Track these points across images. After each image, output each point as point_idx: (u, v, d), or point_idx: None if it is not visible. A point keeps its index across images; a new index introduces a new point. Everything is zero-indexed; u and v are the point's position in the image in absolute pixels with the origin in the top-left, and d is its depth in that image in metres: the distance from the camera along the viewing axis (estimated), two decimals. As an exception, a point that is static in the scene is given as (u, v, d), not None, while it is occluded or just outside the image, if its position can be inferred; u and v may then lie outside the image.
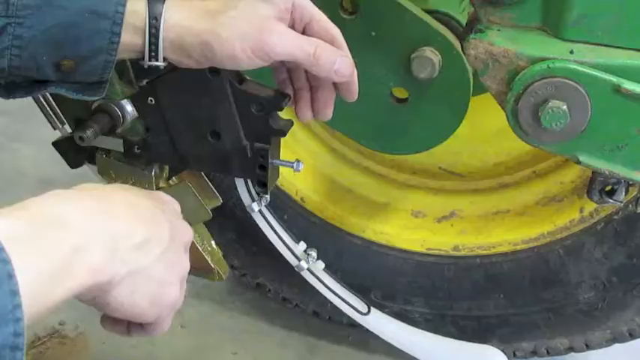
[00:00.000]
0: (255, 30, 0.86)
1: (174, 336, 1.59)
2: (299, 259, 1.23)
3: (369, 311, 1.31)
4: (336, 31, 0.93)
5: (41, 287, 0.63)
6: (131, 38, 0.86)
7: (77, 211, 0.70)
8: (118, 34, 0.84)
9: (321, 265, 1.25)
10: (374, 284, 1.51)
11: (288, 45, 0.87)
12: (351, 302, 1.30)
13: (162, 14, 0.86)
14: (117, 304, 0.74)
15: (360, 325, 1.33)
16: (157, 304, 0.78)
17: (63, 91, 0.88)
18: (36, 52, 0.83)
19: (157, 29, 0.86)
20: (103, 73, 0.87)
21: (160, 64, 0.88)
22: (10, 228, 0.63)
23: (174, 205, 0.89)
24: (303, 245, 1.23)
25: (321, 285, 1.26)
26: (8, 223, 0.64)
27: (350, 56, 0.92)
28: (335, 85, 0.96)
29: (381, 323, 1.33)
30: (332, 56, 0.89)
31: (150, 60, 0.88)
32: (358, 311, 1.30)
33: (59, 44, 0.84)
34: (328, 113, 0.99)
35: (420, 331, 1.37)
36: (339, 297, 1.28)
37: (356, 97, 0.97)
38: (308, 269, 1.24)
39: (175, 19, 0.86)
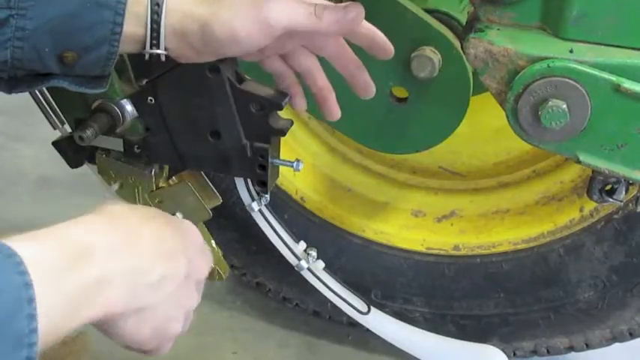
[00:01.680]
0: (253, 4, 0.86)
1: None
2: (299, 259, 1.23)
3: (369, 311, 1.31)
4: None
5: (59, 315, 0.64)
6: (133, 28, 0.86)
7: (104, 243, 0.71)
8: (120, 25, 0.84)
9: (321, 264, 1.25)
10: (374, 284, 1.51)
11: (287, 11, 0.86)
12: (351, 302, 1.30)
13: (165, 0, 0.86)
14: (120, 333, 0.76)
15: (361, 324, 1.33)
16: (158, 336, 0.80)
17: (65, 84, 0.88)
18: (38, 44, 0.83)
19: (159, 15, 0.85)
20: (106, 66, 0.87)
21: (162, 52, 0.87)
22: (36, 253, 0.64)
23: (198, 238, 0.90)
24: (303, 245, 1.24)
25: (321, 284, 1.26)
26: (36, 248, 0.64)
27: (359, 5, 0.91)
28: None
29: (380, 323, 1.33)
30: (334, 9, 0.88)
31: (151, 48, 0.87)
32: (358, 311, 1.30)
33: (61, 35, 0.83)
34: (373, 88, 0.99)
35: (420, 330, 1.37)
36: (339, 296, 1.28)
37: (392, 52, 0.97)
38: (308, 269, 1.24)
39: (177, 4, 0.86)
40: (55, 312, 0.63)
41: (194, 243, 0.88)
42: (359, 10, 0.90)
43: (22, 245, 0.63)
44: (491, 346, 1.37)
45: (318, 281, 1.26)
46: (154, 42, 0.87)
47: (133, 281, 0.73)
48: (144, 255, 0.76)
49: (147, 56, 0.88)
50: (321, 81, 0.98)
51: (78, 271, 0.67)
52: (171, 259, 0.80)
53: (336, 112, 0.99)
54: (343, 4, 0.90)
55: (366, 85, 0.99)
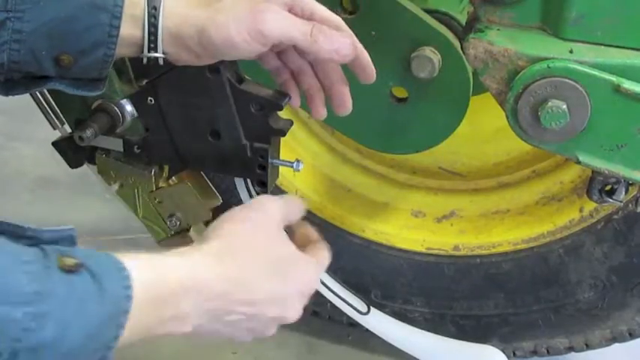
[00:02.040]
0: (250, 12, 0.85)
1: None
2: (299, 259, 1.22)
3: (368, 311, 1.31)
4: (339, 21, 0.92)
5: (136, 329, 0.70)
6: (130, 30, 0.86)
7: (197, 290, 0.75)
8: (117, 28, 0.84)
9: (320, 264, 1.25)
10: (374, 284, 1.51)
11: (283, 24, 0.86)
12: (350, 302, 1.29)
13: (162, 3, 0.85)
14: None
15: (360, 324, 1.33)
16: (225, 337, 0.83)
17: (62, 86, 0.88)
18: (35, 47, 0.83)
19: (157, 18, 0.85)
20: (102, 69, 0.87)
21: (160, 55, 0.87)
22: (141, 276, 0.69)
23: (307, 283, 0.89)
24: (302, 245, 1.23)
25: (321, 284, 1.26)
26: (142, 271, 0.70)
27: (352, 36, 0.91)
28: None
29: (380, 323, 1.33)
30: (330, 35, 0.88)
31: (149, 52, 0.87)
32: (358, 311, 1.30)
33: (58, 38, 0.83)
34: (348, 106, 0.98)
35: (420, 330, 1.37)
36: (339, 297, 1.28)
37: (374, 77, 0.96)
38: (308, 269, 1.24)
39: (173, 8, 0.86)
40: (134, 326, 0.69)
41: (299, 289, 0.87)
42: (352, 50, 0.90)
43: (132, 264, 0.69)
44: (491, 347, 1.37)
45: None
46: (152, 45, 0.86)
47: (207, 319, 0.77)
48: (233, 301, 0.78)
49: (145, 60, 0.88)
50: (309, 80, 0.98)
51: (166, 306, 0.72)
52: (259, 307, 0.81)
53: (321, 112, 0.99)
54: (340, 34, 0.89)
55: (342, 101, 0.97)
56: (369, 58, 0.95)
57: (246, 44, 0.86)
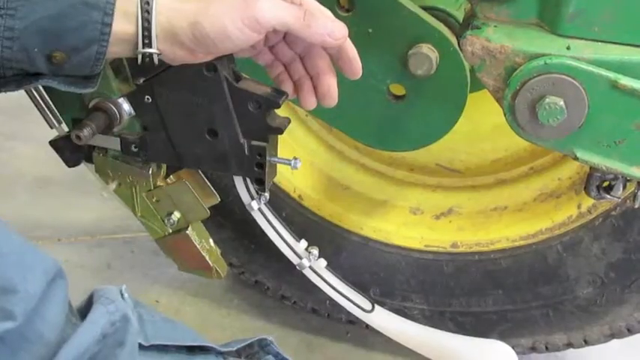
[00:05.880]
0: (242, 1, 0.86)
1: None
2: (300, 257, 1.22)
3: (373, 309, 1.31)
4: (328, 12, 0.93)
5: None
6: (122, 26, 0.86)
7: None
8: (109, 25, 0.84)
9: (323, 263, 1.25)
10: (372, 281, 1.51)
11: (277, 10, 0.87)
12: (354, 300, 1.29)
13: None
14: None
15: (359, 322, 1.33)
16: None
17: (54, 83, 0.88)
18: (27, 44, 0.83)
19: (150, 13, 0.85)
20: (95, 66, 0.87)
21: (154, 51, 0.87)
22: None
23: None
24: (304, 243, 1.23)
25: (324, 283, 1.26)
26: None
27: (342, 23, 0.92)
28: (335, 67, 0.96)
29: (386, 320, 1.33)
30: (323, 18, 0.89)
31: (143, 47, 0.87)
32: (362, 309, 1.30)
33: (50, 35, 0.83)
34: (333, 97, 0.98)
35: (427, 327, 1.36)
36: (342, 295, 1.28)
37: (359, 71, 0.96)
38: (310, 267, 1.24)
39: (166, 3, 0.86)
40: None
41: None
42: (345, 33, 0.91)
43: None
44: (500, 342, 1.36)
45: (320, 280, 1.26)
46: (146, 41, 0.86)
47: None
48: None
49: (140, 58, 0.88)
50: (300, 71, 0.98)
51: None
52: None
53: (310, 100, 0.99)
54: (332, 18, 0.90)
55: (329, 92, 0.98)
56: (356, 52, 0.95)
57: (241, 33, 0.86)
